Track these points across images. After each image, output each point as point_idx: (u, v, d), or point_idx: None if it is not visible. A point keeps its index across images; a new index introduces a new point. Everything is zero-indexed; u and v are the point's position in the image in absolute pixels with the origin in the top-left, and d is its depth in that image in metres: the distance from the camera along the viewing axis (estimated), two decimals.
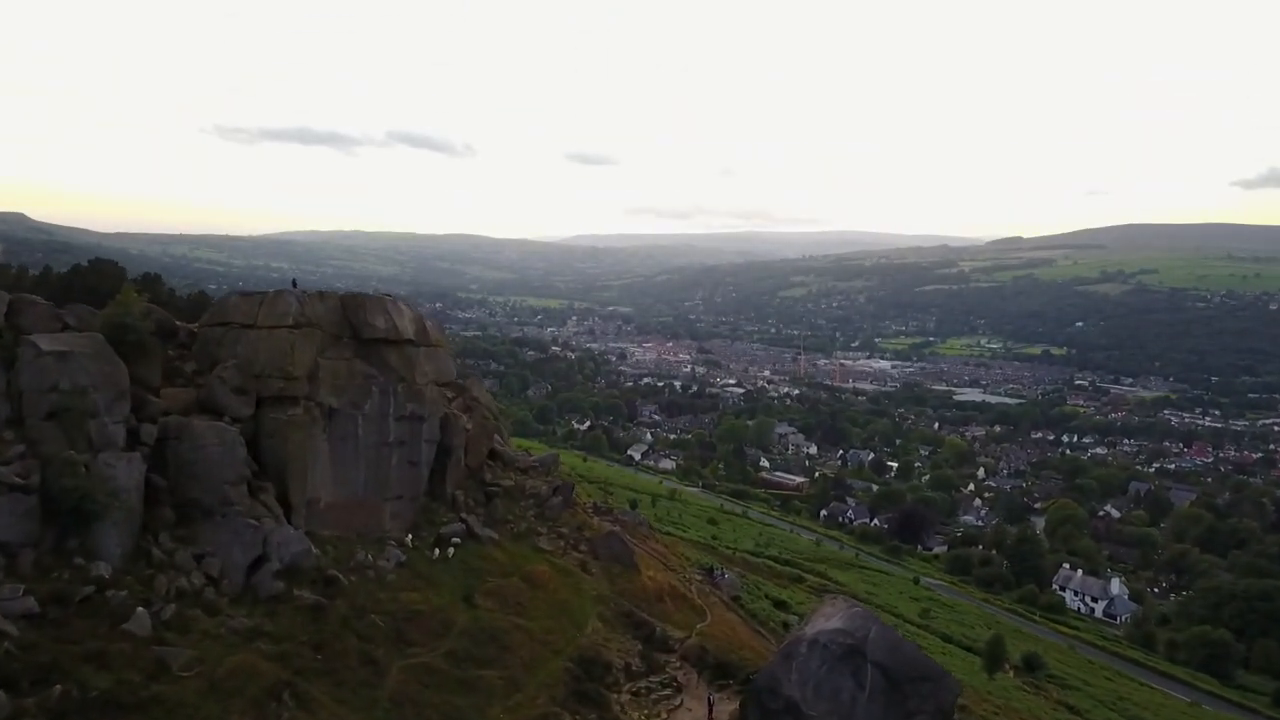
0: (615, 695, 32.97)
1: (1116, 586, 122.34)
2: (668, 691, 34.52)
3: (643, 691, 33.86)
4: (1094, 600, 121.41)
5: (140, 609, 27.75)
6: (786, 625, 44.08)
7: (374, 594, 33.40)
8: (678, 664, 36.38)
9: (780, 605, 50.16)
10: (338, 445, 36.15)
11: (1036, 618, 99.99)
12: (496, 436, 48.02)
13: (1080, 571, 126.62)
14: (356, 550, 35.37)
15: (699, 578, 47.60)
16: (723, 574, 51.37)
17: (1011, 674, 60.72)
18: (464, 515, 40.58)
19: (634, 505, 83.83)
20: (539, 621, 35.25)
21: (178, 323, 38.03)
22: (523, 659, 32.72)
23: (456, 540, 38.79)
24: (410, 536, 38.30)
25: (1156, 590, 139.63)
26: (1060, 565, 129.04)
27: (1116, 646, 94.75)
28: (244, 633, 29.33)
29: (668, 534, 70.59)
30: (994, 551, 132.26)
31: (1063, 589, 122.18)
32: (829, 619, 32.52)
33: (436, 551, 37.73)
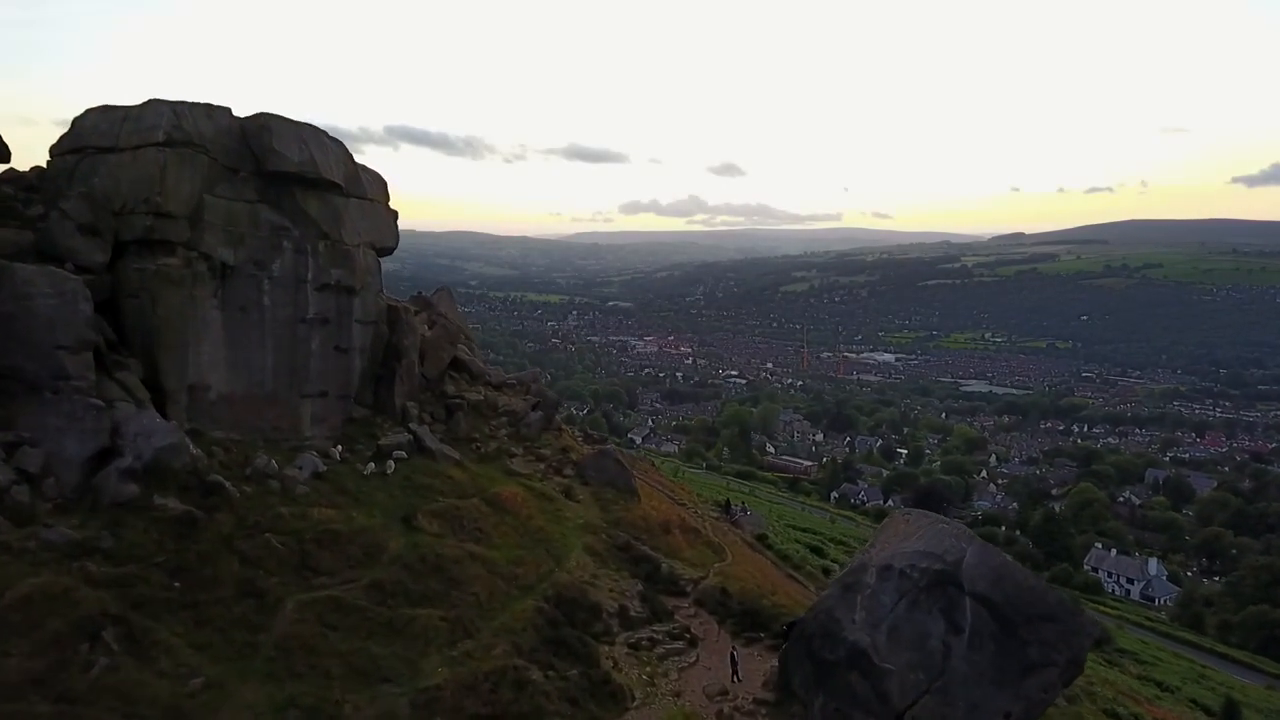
0: (606, 647, 23.79)
1: (1154, 567, 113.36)
2: (678, 645, 25.33)
3: (644, 643, 24.67)
4: (1130, 581, 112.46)
5: None
6: (827, 572, 34.90)
7: (274, 509, 24.20)
8: (691, 610, 27.20)
9: (815, 550, 40.58)
10: (235, 317, 26.91)
11: (1076, 598, 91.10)
12: (462, 346, 38.81)
13: (1114, 551, 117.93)
14: (256, 455, 26.16)
15: (714, 515, 38.25)
16: (744, 509, 41.78)
17: None
18: (413, 427, 31.38)
19: None
20: (504, 551, 26.03)
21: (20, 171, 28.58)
22: (477, 596, 23.50)
23: (400, 454, 29.60)
24: (339, 448, 29.13)
25: (1191, 573, 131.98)
26: (1092, 546, 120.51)
27: (1166, 627, 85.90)
28: (64, 549, 20.17)
29: None
30: (1018, 532, 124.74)
31: (1095, 569, 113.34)
32: (906, 539, 23.30)
33: (372, 466, 28.54)
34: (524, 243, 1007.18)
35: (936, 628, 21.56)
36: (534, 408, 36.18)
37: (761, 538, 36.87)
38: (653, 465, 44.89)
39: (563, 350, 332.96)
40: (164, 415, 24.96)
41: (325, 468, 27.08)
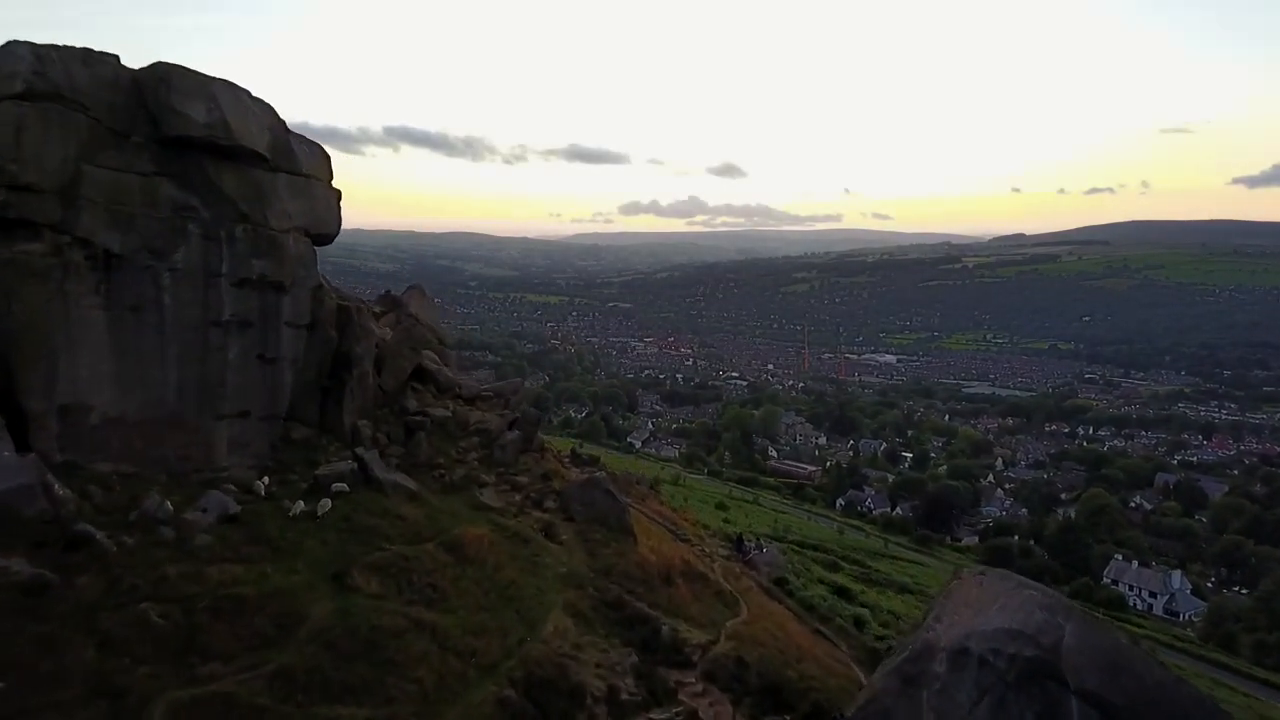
0: None
1: (1178, 580, 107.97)
2: None
3: None
4: (1153, 595, 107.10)
5: None
6: (860, 622, 29.49)
7: (160, 567, 18.71)
8: (699, 686, 21.71)
9: (842, 593, 34.86)
10: (124, 319, 21.42)
11: (1100, 615, 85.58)
12: (430, 352, 33.32)
13: (1135, 563, 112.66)
14: (147, 495, 20.67)
15: (724, 553, 32.75)
16: (759, 546, 36.12)
17: None
18: (360, 452, 25.89)
19: None
20: (461, 616, 20.51)
21: None
22: (421, 684, 17.99)
23: (341, 487, 24.13)
24: (265, 480, 23.66)
25: (1211, 584, 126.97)
26: (1111, 557, 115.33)
27: (1199, 649, 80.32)
28: None
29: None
30: (1032, 542, 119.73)
31: (1116, 583, 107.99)
32: (981, 611, 17.84)
33: (301, 504, 23.01)
34: (524, 243, 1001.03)
35: None
36: (511, 425, 30.69)
37: (780, 581, 31.45)
38: (651, 489, 39.40)
39: (562, 351, 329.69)
40: (25, 445, 19.53)
41: (240, 508, 21.59)
